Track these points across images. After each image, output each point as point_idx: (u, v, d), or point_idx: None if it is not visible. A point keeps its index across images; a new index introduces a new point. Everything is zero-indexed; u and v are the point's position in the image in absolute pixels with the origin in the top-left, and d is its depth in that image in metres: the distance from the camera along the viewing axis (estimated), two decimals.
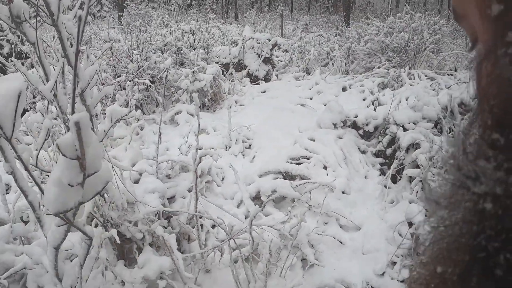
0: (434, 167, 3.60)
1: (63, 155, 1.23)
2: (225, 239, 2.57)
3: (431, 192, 0.42)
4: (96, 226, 3.12)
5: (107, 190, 2.88)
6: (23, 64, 7.08)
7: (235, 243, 2.68)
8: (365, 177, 4.52)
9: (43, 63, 2.31)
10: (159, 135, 3.44)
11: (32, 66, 6.45)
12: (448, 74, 7.56)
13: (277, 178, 4.17)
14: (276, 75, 8.39)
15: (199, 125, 2.66)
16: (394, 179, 4.38)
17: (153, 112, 6.48)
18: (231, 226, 2.52)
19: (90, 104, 2.35)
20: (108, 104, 5.61)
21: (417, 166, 4.08)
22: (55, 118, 3.62)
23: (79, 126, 1.17)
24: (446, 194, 0.40)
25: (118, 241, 2.82)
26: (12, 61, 3.22)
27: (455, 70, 7.89)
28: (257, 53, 8.28)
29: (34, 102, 5.75)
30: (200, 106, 6.52)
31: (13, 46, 10.21)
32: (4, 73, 7.22)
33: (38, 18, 2.21)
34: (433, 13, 9.37)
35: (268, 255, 2.50)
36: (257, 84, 7.92)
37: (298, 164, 4.40)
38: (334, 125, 5.02)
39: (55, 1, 1.97)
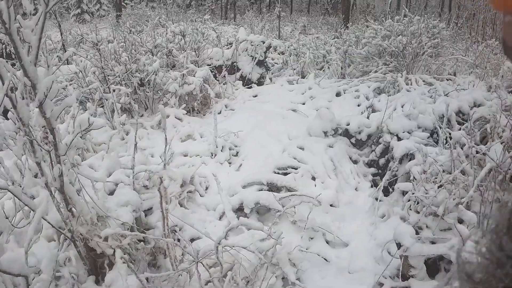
0: (427, 182, 3.42)
1: None
2: (193, 261, 2.38)
3: (464, 266, 0.41)
4: (65, 240, 2.95)
5: (74, 205, 2.70)
6: (13, 65, 6.94)
7: (203, 265, 2.49)
8: (356, 188, 4.33)
9: (1, 73, 2.12)
10: (135, 144, 3.25)
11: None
12: (447, 79, 7.38)
13: (261, 190, 3.98)
14: (270, 78, 8.20)
15: (166, 140, 2.46)
16: (386, 191, 4.19)
17: (141, 115, 6.29)
18: (196, 251, 2.33)
19: (51, 116, 2.17)
20: (95, 111, 5.43)
21: (411, 179, 3.90)
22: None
23: None
24: (481, 270, 0.39)
25: (83, 261, 2.65)
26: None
27: (455, 75, 7.71)
28: (251, 56, 8.09)
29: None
30: (189, 110, 6.35)
31: (4, 46, 10.08)
32: None
33: None
34: (433, 16, 9.17)
35: (242, 281, 2.31)
36: (249, 87, 7.72)
37: (286, 174, 4.21)
38: (325, 133, 4.83)
39: (5, 8, 1.78)
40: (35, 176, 3.16)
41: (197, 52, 7.57)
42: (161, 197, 2.45)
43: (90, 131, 3.60)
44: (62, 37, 8.60)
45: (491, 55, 8.98)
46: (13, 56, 8.52)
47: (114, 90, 5.43)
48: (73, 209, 2.67)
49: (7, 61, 2.54)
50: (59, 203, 2.60)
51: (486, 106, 4.53)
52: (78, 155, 3.94)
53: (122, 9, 25.80)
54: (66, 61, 8.18)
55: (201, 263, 2.36)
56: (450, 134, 4.10)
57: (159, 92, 6.20)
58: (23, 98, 2.20)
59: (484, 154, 3.25)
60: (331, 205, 3.96)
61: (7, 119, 5.51)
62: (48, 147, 2.23)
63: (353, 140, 4.91)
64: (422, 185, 3.29)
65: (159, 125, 5.82)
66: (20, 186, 3.15)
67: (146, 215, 3.47)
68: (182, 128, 5.42)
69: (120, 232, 2.65)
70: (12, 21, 1.86)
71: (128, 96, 5.84)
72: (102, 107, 5.64)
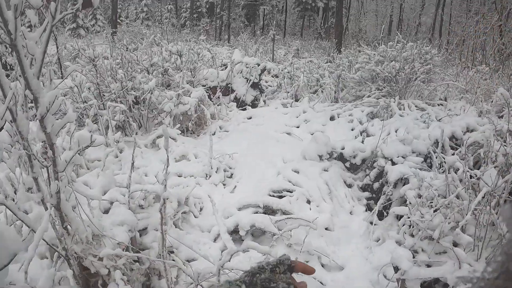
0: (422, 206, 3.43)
1: None
2: (191, 283, 2.34)
3: None
4: (58, 258, 2.89)
5: (70, 223, 2.66)
6: (8, 75, 6.90)
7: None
8: (350, 212, 4.33)
9: (2, 83, 2.11)
10: (132, 163, 3.23)
11: (17, 78, 6.27)
12: (438, 104, 7.47)
13: (257, 212, 3.96)
14: (264, 101, 8.24)
15: (167, 159, 2.45)
16: (381, 215, 4.19)
17: (136, 134, 6.27)
18: (197, 273, 2.30)
19: (51, 131, 2.16)
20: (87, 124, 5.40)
21: (405, 203, 3.90)
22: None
23: None
24: None
25: (78, 280, 2.60)
26: None
27: (446, 100, 7.80)
28: (246, 78, 8.13)
29: None
30: (183, 130, 6.34)
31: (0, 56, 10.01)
32: None
33: None
34: (424, 42, 9.33)
35: None
36: (243, 109, 7.75)
37: (281, 197, 4.20)
38: (320, 157, 4.84)
39: (13, 19, 1.79)
40: (28, 191, 3.12)
41: (192, 73, 7.60)
42: (162, 218, 2.42)
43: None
44: (57, 51, 8.60)
45: (481, 80, 9.14)
46: (8, 67, 8.48)
47: (109, 107, 5.42)
48: (68, 226, 2.63)
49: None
50: (54, 220, 2.56)
51: (479, 131, 4.59)
52: (73, 171, 3.90)
53: (118, 26, 25.97)
54: (61, 75, 8.17)
55: (201, 286, 2.33)
56: (444, 159, 4.14)
57: (154, 111, 6.20)
58: (23, 112, 2.19)
59: (478, 178, 3.28)
60: (326, 229, 3.94)
61: None
62: (47, 163, 2.20)
63: (347, 164, 4.92)
64: (418, 209, 3.30)
65: (153, 144, 5.79)
66: (13, 200, 3.12)
67: (140, 235, 3.42)
68: (176, 148, 5.40)
69: (120, 253, 2.61)
70: (18, 32, 1.86)
71: (123, 114, 5.82)
72: (95, 123, 5.61)
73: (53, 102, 2.02)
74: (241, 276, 0.82)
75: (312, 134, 5.47)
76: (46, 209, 2.50)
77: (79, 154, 2.59)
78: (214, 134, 6.44)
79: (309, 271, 0.90)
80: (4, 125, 2.12)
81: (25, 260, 2.19)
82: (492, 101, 7.06)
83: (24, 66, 1.95)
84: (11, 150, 3.03)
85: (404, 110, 6.85)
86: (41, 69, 2.01)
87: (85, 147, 2.32)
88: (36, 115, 2.14)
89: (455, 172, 3.80)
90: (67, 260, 2.75)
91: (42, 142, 2.13)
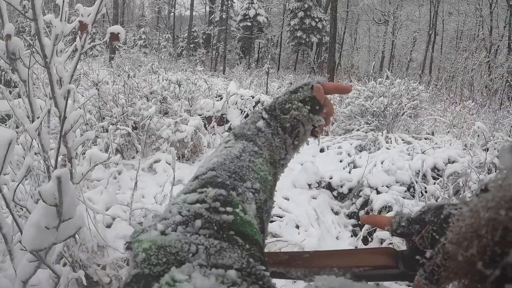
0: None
1: (44, 201, 1.38)
2: None
3: None
4: (64, 265, 3.10)
5: (78, 232, 2.88)
6: (10, 92, 7.09)
7: None
8: (337, 237, 4.57)
9: (31, 101, 2.37)
10: (135, 183, 3.48)
11: (19, 96, 6.50)
12: (425, 138, 7.75)
13: None
14: None
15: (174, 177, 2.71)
16: (365, 241, 4.43)
17: (133, 157, 6.51)
18: None
19: (72, 146, 2.42)
20: (89, 146, 5.64)
21: None
22: (36, 154, 3.64)
23: (60, 180, 1.34)
24: None
25: (85, 283, 2.80)
26: None
27: (433, 134, 8.07)
28: (240, 109, 8.46)
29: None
30: (179, 157, 6.60)
31: (3, 73, 10.03)
32: None
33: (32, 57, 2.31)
34: (413, 78, 9.72)
35: None
36: None
37: (271, 221, 4.46)
38: (309, 185, 5.12)
39: (50, 45, 2.07)
40: (36, 202, 3.34)
41: (190, 102, 7.91)
42: None
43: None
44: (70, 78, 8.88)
45: (468, 115, 9.48)
46: (12, 84, 8.67)
47: (108, 130, 5.67)
48: (76, 235, 2.86)
49: (6, 89, 2.81)
50: None
51: (459, 163, 4.90)
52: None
53: (116, 51, 26.42)
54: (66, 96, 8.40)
55: None
56: (425, 188, 4.44)
57: (152, 136, 6.47)
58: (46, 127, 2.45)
59: None
60: None
61: None
62: None
63: (335, 193, 5.20)
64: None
65: (150, 168, 6.04)
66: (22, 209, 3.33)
67: None
68: (173, 173, 5.64)
69: (118, 263, 2.83)
70: (53, 57, 2.14)
71: (122, 138, 6.08)
72: (95, 145, 5.86)
73: (77, 121, 2.29)
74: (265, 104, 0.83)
75: (302, 164, 5.75)
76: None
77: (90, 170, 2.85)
78: None
79: (342, 89, 0.83)
80: (18, 138, 2.37)
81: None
82: (478, 135, 7.34)
83: (54, 87, 2.22)
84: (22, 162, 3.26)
85: (391, 143, 7.15)
86: (68, 91, 2.28)
87: (99, 163, 2.58)
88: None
89: (436, 200, 4.09)
90: (72, 267, 2.97)
91: (63, 155, 2.39)
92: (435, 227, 0.67)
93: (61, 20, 2.03)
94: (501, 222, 0.31)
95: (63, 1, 2.07)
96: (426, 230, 0.67)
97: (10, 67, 2.22)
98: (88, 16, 2.13)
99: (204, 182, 0.58)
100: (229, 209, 0.51)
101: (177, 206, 0.52)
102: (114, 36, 2.15)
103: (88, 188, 4.76)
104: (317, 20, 34.68)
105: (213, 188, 0.55)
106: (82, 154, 4.94)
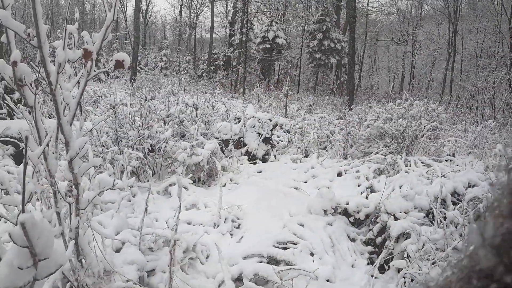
0: (421, 260, 3.55)
1: (14, 243, 1.44)
2: None
3: None
4: None
5: (85, 256, 2.85)
6: (29, 113, 7.20)
7: None
8: (352, 265, 4.44)
9: (38, 127, 2.36)
10: (146, 208, 3.45)
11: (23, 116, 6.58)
12: (446, 160, 7.53)
13: (261, 262, 4.11)
14: (275, 156, 8.48)
15: (179, 206, 2.67)
16: (382, 269, 4.29)
17: (148, 180, 6.51)
18: None
19: (78, 172, 2.40)
20: (105, 168, 5.66)
21: (407, 257, 4.03)
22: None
23: (25, 226, 1.39)
24: None
25: None
26: (19, 107, 3.39)
27: (454, 156, 7.86)
28: (258, 132, 8.43)
29: None
30: (195, 180, 6.57)
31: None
32: (12, 117, 7.37)
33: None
34: (434, 98, 9.57)
35: None
36: (254, 163, 7.99)
37: (285, 248, 4.36)
38: (325, 211, 5.02)
39: (55, 72, 2.07)
40: None
41: (207, 125, 7.92)
42: (171, 258, 2.60)
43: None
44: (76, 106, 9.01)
45: (489, 135, 9.23)
46: (23, 101, 8.80)
47: (123, 153, 5.69)
48: (83, 260, 2.82)
49: (25, 109, 2.83)
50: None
51: (480, 187, 4.75)
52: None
53: (137, 73, 26.77)
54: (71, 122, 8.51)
55: None
56: (445, 214, 4.29)
57: (167, 159, 6.46)
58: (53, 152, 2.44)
59: None
60: (327, 280, 4.06)
61: (17, 163, 5.71)
62: (71, 200, 2.43)
63: (351, 219, 5.08)
64: (416, 262, 3.43)
65: (165, 191, 6.02)
66: None
67: (148, 276, 3.59)
68: (187, 197, 5.61)
69: (131, 287, 2.78)
70: (58, 84, 2.14)
71: (138, 160, 6.09)
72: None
73: (83, 147, 2.28)
74: None
75: (319, 189, 5.66)
76: (64, 242, 2.70)
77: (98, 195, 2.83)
78: (224, 185, 6.63)
79: None
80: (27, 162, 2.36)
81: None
82: (500, 156, 7.09)
83: (60, 114, 2.21)
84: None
85: (410, 166, 7.00)
86: (74, 117, 2.28)
87: (107, 189, 2.55)
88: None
89: (456, 227, 3.95)
90: None
91: (69, 181, 2.37)
92: None
93: (63, 49, 2.03)
94: None
95: (65, 30, 2.08)
96: None
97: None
98: (93, 43, 2.13)
99: None
100: None
101: None
102: (119, 64, 2.14)
103: (101, 210, 4.75)
104: (336, 41, 34.75)
105: None
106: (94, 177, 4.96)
